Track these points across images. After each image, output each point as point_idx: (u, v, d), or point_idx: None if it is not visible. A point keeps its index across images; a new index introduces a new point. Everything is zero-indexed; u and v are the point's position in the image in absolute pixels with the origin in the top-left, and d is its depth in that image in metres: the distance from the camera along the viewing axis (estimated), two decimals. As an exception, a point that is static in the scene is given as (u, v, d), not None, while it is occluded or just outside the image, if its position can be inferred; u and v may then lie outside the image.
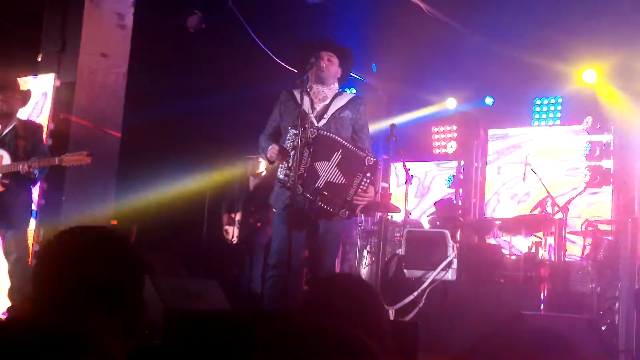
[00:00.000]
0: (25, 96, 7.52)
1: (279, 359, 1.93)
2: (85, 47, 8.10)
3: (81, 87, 8.05)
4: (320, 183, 6.03)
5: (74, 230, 2.37)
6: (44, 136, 7.56)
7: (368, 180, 6.07)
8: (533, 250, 9.40)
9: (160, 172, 10.39)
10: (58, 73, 8.19)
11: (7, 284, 7.04)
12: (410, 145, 12.02)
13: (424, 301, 8.08)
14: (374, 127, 9.21)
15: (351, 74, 7.04)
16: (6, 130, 7.22)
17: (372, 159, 6.03)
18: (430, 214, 10.96)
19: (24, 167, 6.92)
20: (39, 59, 8.46)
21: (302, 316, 2.58)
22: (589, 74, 11.44)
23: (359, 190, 6.05)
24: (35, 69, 8.39)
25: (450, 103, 13.04)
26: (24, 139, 7.15)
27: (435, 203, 11.03)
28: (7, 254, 7.07)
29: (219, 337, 2.91)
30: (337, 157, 6.04)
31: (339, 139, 6.09)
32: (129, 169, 8.97)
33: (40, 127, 7.53)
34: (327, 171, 6.06)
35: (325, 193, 6.02)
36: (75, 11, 8.18)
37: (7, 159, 7.10)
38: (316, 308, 2.58)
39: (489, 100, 12.70)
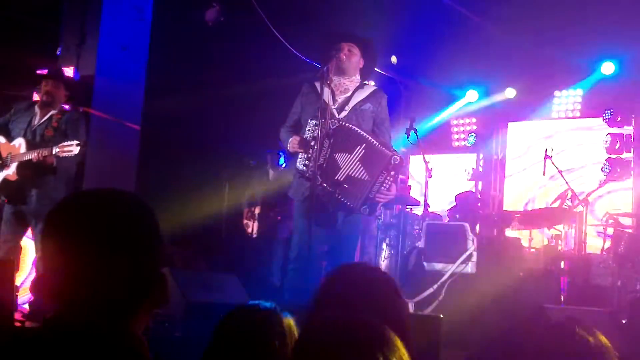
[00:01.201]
0: (69, 85, 7.56)
1: (300, 351, 1.92)
2: (104, 40, 8.11)
3: (100, 80, 8.07)
4: (340, 176, 6.00)
5: (80, 196, 2.03)
6: (85, 126, 7.48)
7: (392, 179, 6.03)
8: (553, 243, 9.35)
9: (179, 165, 10.41)
10: (77, 66, 8.21)
11: (32, 275, 7.07)
12: (430, 138, 12.00)
13: (443, 294, 8.06)
14: (393, 120, 9.17)
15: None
16: (42, 120, 7.28)
17: (397, 157, 5.99)
18: (450, 208, 10.92)
19: (33, 156, 6.97)
20: (59, 53, 8.48)
21: (320, 308, 2.57)
22: (608, 66, 11.39)
23: (382, 187, 6.01)
24: (54, 63, 8.41)
25: (472, 95, 12.99)
26: (54, 130, 7.17)
27: (456, 196, 10.98)
28: (36, 244, 7.13)
29: (239, 329, 2.89)
30: (359, 151, 6.00)
31: (361, 132, 6.05)
32: (149, 161, 8.99)
33: (80, 117, 7.49)
34: (349, 164, 6.02)
35: (346, 186, 6.00)
36: (95, 4, 8.20)
37: (23, 148, 7.15)
38: (333, 299, 2.56)
39: (510, 93, 12.59)
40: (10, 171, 7.17)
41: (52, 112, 7.31)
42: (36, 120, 7.31)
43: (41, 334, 1.87)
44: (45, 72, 7.59)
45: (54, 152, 6.83)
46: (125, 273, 1.90)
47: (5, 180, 7.21)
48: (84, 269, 1.86)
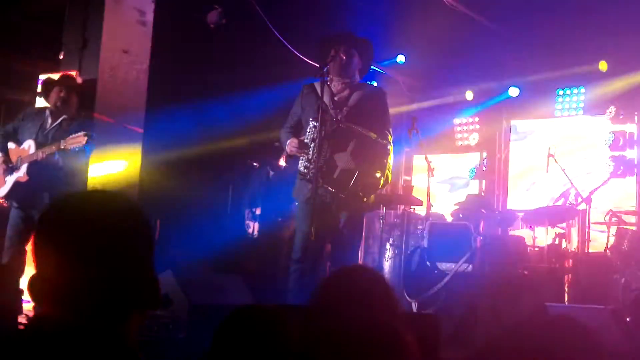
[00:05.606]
0: (80, 91, 7.58)
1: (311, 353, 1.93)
2: (106, 44, 8.13)
3: (103, 84, 8.08)
4: (336, 173, 6.02)
5: (70, 198, 1.99)
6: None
7: None
8: (557, 242, 9.35)
9: (182, 167, 10.42)
10: (80, 70, 8.23)
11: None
12: (432, 137, 12.00)
13: (446, 293, 8.06)
14: (396, 120, 9.17)
15: (372, 66, 7.03)
16: (54, 124, 7.30)
17: (385, 142, 6.06)
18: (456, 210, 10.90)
19: (39, 155, 6.99)
20: (61, 57, 8.50)
21: (317, 309, 2.59)
22: (606, 63, 11.38)
23: None
24: (57, 67, 8.44)
25: (469, 95, 12.97)
26: (65, 132, 7.17)
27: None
28: None
29: (241, 330, 2.91)
30: (352, 145, 6.03)
31: (356, 128, 6.08)
32: (152, 164, 9.01)
33: (87, 121, 7.50)
34: (343, 160, 6.04)
35: (340, 179, 6.03)
36: (96, 8, 8.22)
37: (33, 149, 7.18)
38: (328, 302, 2.59)
39: (513, 92, 12.54)
40: (21, 173, 7.19)
41: (63, 116, 7.33)
42: (48, 124, 7.32)
43: (27, 335, 1.88)
44: (57, 78, 7.59)
45: (61, 147, 6.85)
46: (115, 275, 1.89)
47: (16, 183, 7.23)
48: (74, 270, 1.86)
